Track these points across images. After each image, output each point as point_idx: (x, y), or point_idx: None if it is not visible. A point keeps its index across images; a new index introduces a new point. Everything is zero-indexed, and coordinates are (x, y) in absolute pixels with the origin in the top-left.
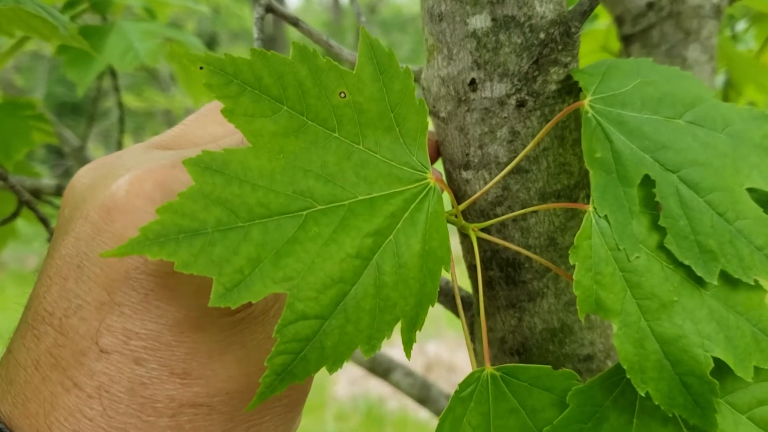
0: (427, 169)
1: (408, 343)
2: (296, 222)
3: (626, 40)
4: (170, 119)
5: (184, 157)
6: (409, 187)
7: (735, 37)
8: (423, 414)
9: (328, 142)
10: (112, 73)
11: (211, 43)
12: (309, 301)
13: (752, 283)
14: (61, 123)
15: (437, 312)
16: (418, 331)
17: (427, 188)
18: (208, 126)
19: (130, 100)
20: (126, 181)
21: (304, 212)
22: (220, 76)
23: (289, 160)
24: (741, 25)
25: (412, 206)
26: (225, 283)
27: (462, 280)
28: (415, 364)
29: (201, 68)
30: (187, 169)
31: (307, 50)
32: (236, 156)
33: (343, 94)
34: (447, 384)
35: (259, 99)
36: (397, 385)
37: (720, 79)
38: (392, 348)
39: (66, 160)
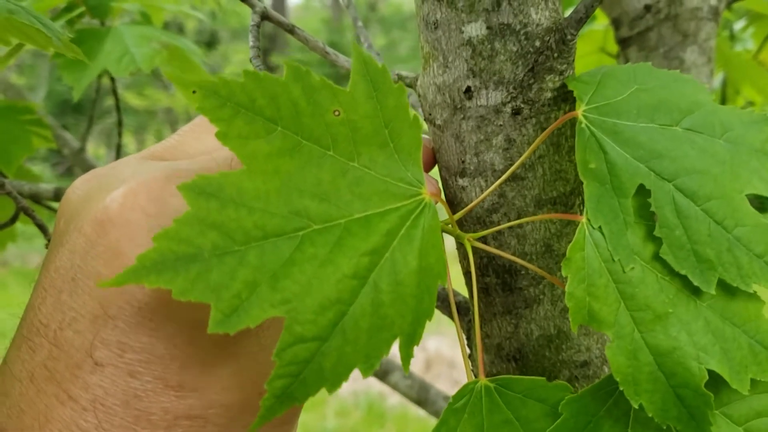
0: (421, 184)
1: (406, 359)
2: (293, 243)
3: (623, 43)
4: (171, 117)
5: (178, 168)
6: (405, 203)
7: (733, 37)
8: (423, 411)
9: (322, 161)
10: (111, 76)
11: (211, 41)
12: (307, 324)
13: (751, 291)
14: (62, 122)
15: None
16: (415, 346)
17: (423, 204)
18: (203, 136)
19: (132, 99)
20: (120, 194)
21: (300, 233)
22: (213, 98)
23: (284, 181)
24: (739, 24)
25: (408, 223)
26: (223, 310)
27: (462, 288)
28: (416, 360)
29: (194, 92)
30: (182, 194)
31: (300, 69)
32: (231, 179)
33: (337, 113)
34: (448, 380)
35: (253, 120)
36: (395, 387)
37: (717, 80)
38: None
39: (67, 158)
